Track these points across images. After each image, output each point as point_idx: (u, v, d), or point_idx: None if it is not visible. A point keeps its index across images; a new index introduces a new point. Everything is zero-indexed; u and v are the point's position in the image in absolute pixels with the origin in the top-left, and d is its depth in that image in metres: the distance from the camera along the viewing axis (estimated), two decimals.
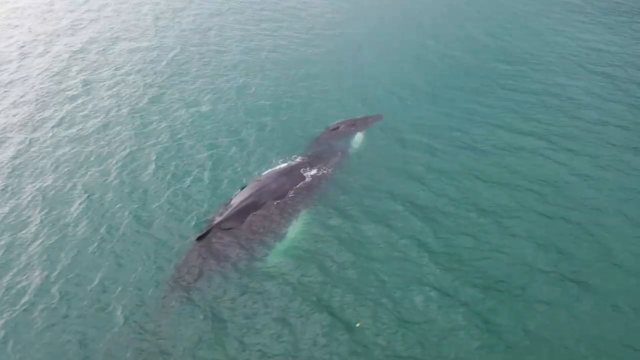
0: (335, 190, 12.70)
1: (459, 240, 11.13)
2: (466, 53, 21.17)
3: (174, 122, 16.35)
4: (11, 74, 20.06)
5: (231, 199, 12.17)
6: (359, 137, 14.86)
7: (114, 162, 14.26)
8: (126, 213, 12.19)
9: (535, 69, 19.35)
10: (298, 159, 13.77)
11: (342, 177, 13.21)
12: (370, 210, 12.07)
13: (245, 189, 12.30)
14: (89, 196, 12.85)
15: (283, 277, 10.35)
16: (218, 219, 11.39)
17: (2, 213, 12.44)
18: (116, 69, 20.28)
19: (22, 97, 18.25)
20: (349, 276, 10.35)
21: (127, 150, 14.76)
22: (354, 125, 15.38)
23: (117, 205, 12.47)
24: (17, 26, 25.15)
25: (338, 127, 15.29)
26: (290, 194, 12.30)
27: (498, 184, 12.86)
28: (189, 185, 13.06)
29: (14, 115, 17.05)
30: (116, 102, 17.75)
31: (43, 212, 12.35)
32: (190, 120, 16.40)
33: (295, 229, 11.50)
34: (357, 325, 9.20)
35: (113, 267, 10.72)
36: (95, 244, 11.33)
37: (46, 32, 24.39)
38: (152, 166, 13.94)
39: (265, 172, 13.16)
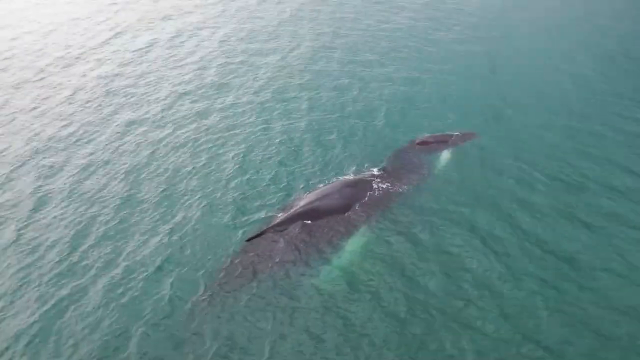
0: (404, 210, 11.77)
1: (530, 287, 9.67)
2: (602, 75, 18.53)
3: (268, 115, 16.62)
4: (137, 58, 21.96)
5: (293, 203, 11.88)
6: (445, 155, 13.67)
7: (200, 150, 14.73)
8: (193, 204, 12.36)
9: None
10: (371, 170, 13.04)
11: (416, 196, 12.20)
12: (438, 237, 10.98)
13: (307, 195, 11.92)
14: (168, 181, 13.33)
15: (329, 295, 9.73)
16: (274, 222, 11.16)
17: (90, 182, 13.52)
18: (231, 61, 21.19)
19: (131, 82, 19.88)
20: (398, 307, 9.43)
21: (215, 141, 15.18)
22: (444, 141, 14.19)
23: (188, 195, 12.75)
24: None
25: (425, 142, 14.23)
26: (355, 206, 11.64)
27: (593, 229, 11.02)
28: (260, 182, 13.00)
29: (124, 96, 18.59)
30: (223, 90, 18.58)
31: (122, 193, 13.05)
32: (282, 115, 16.55)
33: (352, 244, 10.84)
34: None
35: (168, 258, 10.78)
36: (159, 233, 11.51)
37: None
38: (233, 159, 14.13)
39: (334, 180, 12.65)
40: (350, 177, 12.74)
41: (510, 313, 9.15)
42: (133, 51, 22.70)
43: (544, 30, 23.38)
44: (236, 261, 10.49)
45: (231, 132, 15.66)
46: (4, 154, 15.01)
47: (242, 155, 14.30)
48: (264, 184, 12.94)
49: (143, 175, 13.66)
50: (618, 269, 10.03)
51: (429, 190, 12.45)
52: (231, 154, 14.37)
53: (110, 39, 24.32)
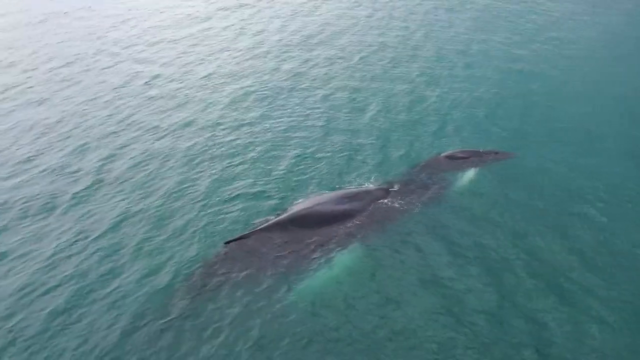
0: (408, 229, 10.59)
1: (529, 331, 8.30)
2: None
3: (297, 114, 16.09)
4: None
5: (285, 209, 11.08)
6: (470, 174, 12.23)
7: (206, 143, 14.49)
8: (184, 197, 12.00)
9: None
10: (385, 183, 11.91)
11: (425, 216, 10.96)
12: (434, 264, 9.73)
13: (301, 202, 11.08)
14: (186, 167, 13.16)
15: (306, 308, 8.87)
16: (259, 226, 10.43)
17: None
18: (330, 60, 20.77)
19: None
20: (377, 331, 8.43)
21: (224, 137, 14.90)
22: (473, 158, 12.68)
23: (180, 187, 12.42)
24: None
25: (453, 156, 12.82)
26: (351, 219, 10.61)
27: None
28: (260, 184, 12.31)
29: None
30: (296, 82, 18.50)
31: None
32: (308, 116, 15.90)
33: (339, 259, 9.84)
34: None
35: (144, 255, 10.30)
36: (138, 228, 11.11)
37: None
38: (241, 156, 13.70)
39: (335, 190, 11.69)
40: (353, 187, 11.70)
41: None
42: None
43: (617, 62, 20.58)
44: (213, 264, 9.85)
45: (245, 127, 15.27)
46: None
47: (253, 152, 13.79)
48: (265, 186, 12.23)
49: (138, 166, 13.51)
50: None
51: (440, 211, 11.15)
52: (240, 150, 13.92)
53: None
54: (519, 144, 13.72)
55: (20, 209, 11.79)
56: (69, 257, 10.29)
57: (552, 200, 11.46)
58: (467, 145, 13.57)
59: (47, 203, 11.98)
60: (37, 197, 12.20)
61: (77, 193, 12.30)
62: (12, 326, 8.76)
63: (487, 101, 16.48)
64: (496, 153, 12.97)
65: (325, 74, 19.11)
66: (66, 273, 9.86)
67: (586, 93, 17.03)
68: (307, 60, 20.49)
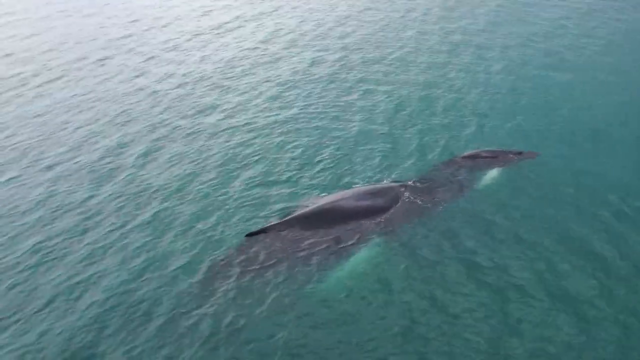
0: (428, 227, 10.68)
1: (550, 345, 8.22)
2: None
3: (326, 111, 16.45)
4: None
5: (306, 204, 11.34)
6: (493, 173, 12.23)
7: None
8: (217, 184, 12.52)
9: None
10: (405, 181, 12.04)
11: (446, 215, 11.03)
12: (473, 261, 9.75)
13: (323, 198, 11.33)
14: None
15: (334, 310, 8.91)
16: (281, 219, 10.72)
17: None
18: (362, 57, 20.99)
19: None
20: (412, 334, 8.40)
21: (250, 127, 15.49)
22: (495, 157, 12.71)
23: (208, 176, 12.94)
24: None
25: (475, 156, 12.86)
26: (374, 215, 10.79)
27: None
28: (279, 178, 12.69)
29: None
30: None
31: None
32: (343, 106, 16.42)
33: (360, 257, 9.98)
34: None
35: (166, 248, 10.65)
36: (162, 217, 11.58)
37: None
38: (264, 150, 14.15)
39: (355, 186, 11.92)
40: (376, 184, 11.91)
41: None
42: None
43: None
44: (237, 257, 10.11)
45: (278, 125, 15.60)
46: None
47: (286, 148, 14.19)
48: (295, 181, 12.52)
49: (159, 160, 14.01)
50: None
51: (463, 210, 11.21)
52: (273, 146, 14.33)
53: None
54: (548, 145, 13.64)
55: (58, 203, 12.36)
56: (105, 250, 10.70)
57: (587, 200, 11.41)
58: (499, 145, 13.53)
59: (83, 196, 12.54)
60: (73, 191, 12.78)
61: (111, 187, 12.84)
62: (50, 314, 9.19)
63: (523, 103, 16.31)
64: (520, 153, 12.95)
65: (360, 72, 19.25)
66: (102, 266, 10.26)
67: (627, 98, 16.66)
68: (341, 59, 20.65)
